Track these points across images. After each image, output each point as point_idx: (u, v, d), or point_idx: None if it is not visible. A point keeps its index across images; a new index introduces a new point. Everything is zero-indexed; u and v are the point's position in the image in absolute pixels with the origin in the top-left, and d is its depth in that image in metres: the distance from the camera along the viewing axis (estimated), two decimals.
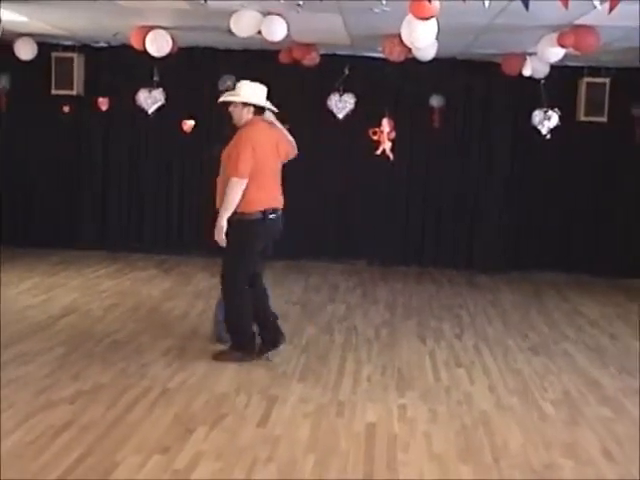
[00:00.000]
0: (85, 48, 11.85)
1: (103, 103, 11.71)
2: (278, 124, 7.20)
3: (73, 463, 4.72)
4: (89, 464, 4.72)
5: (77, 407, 5.67)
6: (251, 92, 6.89)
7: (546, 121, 11.05)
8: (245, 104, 6.85)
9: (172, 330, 7.95)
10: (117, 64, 11.74)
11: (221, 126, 11.66)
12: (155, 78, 11.30)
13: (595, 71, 11.39)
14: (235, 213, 6.71)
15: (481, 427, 5.71)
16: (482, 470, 4.96)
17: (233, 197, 6.66)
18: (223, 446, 5.12)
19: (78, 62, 11.75)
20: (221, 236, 6.67)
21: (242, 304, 6.93)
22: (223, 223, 6.65)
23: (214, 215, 6.80)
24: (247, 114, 6.89)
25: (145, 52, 9.80)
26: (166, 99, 11.34)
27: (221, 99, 6.96)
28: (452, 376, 6.94)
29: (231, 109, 6.87)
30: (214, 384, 6.34)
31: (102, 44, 11.84)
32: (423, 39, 7.14)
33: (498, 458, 5.14)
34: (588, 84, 11.47)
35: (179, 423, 5.46)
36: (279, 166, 7.22)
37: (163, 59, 10.06)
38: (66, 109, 11.93)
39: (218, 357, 6.96)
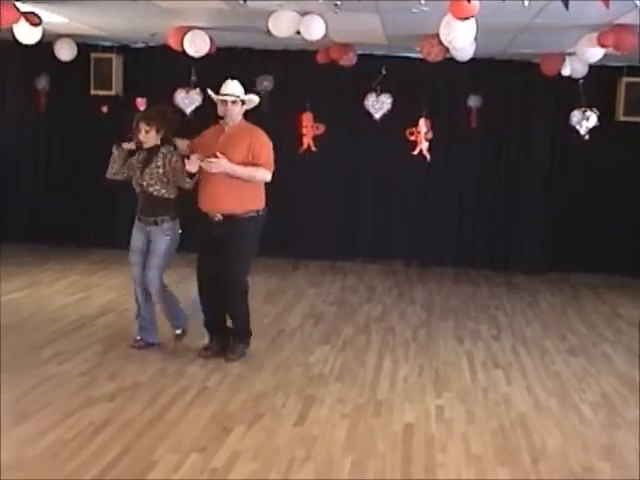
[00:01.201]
0: (123, 48, 11.93)
1: (141, 103, 11.76)
2: None
3: (111, 461, 4.77)
4: (127, 462, 4.77)
5: (115, 405, 5.73)
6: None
7: (584, 121, 10.96)
8: (242, 102, 6.93)
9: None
10: (155, 64, 11.83)
11: (259, 125, 11.76)
12: (193, 78, 11.35)
13: (634, 70, 11.26)
14: (251, 211, 6.81)
15: (519, 428, 5.69)
16: (520, 472, 4.94)
17: (254, 178, 6.75)
18: (260, 446, 5.14)
19: (117, 62, 11.84)
20: (211, 168, 6.66)
21: (247, 302, 7.18)
22: (234, 169, 6.67)
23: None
24: (241, 112, 6.96)
25: (183, 52, 9.85)
26: (203, 99, 11.36)
27: (227, 96, 6.81)
28: (489, 377, 6.91)
29: (230, 107, 6.79)
30: (251, 384, 6.36)
31: (140, 44, 11.91)
32: (462, 39, 7.10)
33: (536, 460, 5.12)
34: (627, 84, 11.35)
35: (216, 422, 5.49)
36: None
37: (201, 59, 10.09)
38: (104, 109, 12.02)
39: (231, 358, 6.94)
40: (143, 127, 6.86)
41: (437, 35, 7.58)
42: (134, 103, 11.77)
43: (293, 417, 5.68)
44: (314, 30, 8.48)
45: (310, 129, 11.48)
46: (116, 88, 11.88)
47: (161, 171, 6.86)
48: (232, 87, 6.89)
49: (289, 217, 12.09)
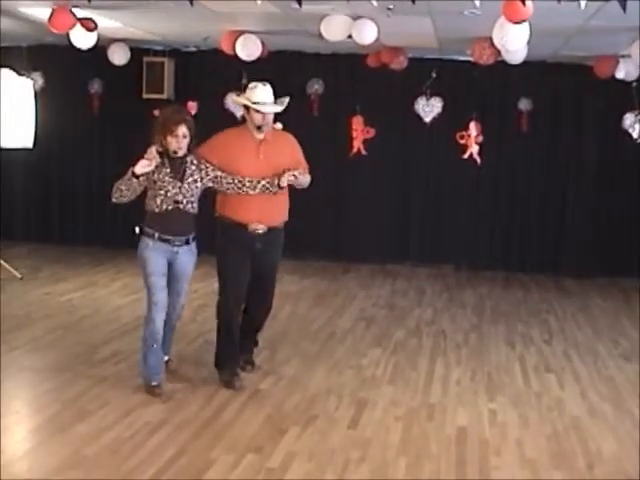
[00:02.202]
0: (175, 52, 12.05)
1: (192, 107, 11.86)
2: None
3: (168, 461, 4.83)
4: (183, 462, 4.83)
5: (171, 406, 5.80)
6: None
7: (637, 124, 10.86)
8: None
9: (262, 332, 8.01)
10: (206, 68, 11.94)
11: (308, 130, 11.82)
12: (244, 82, 11.42)
13: None
14: (285, 220, 6.51)
15: (573, 433, 5.66)
16: (575, 476, 4.93)
17: (307, 184, 6.50)
18: (315, 447, 5.17)
19: (168, 66, 11.95)
20: (301, 183, 6.32)
21: None
22: (307, 179, 6.39)
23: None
24: None
25: (234, 56, 9.93)
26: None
27: (275, 108, 6.31)
28: (542, 381, 6.88)
29: (268, 116, 6.25)
30: (304, 386, 6.41)
31: (192, 48, 12.03)
32: (515, 42, 7.10)
33: (592, 465, 5.10)
34: None
35: (271, 423, 5.54)
36: None
37: (252, 63, 10.17)
38: (156, 113, 12.09)
39: (257, 366, 6.81)
40: (182, 132, 5.98)
41: (489, 38, 7.58)
42: (185, 107, 11.89)
43: (346, 419, 5.71)
44: (366, 34, 8.51)
45: (360, 132, 11.51)
46: (168, 92, 11.99)
47: (199, 184, 6.05)
48: (269, 95, 6.32)
49: (339, 220, 12.13)
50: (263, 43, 9.89)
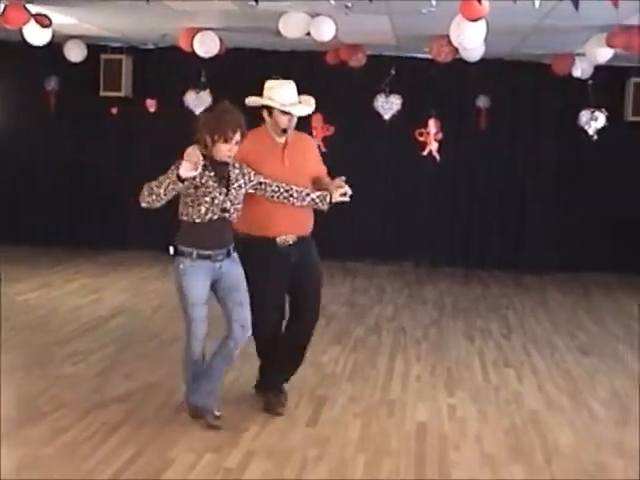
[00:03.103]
0: (133, 50, 11.98)
1: (151, 105, 11.83)
2: None
3: (127, 461, 4.79)
4: (142, 462, 4.79)
5: (130, 406, 5.75)
6: None
7: (593, 122, 10.97)
8: None
9: (219, 330, 7.98)
10: (165, 66, 11.88)
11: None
12: (203, 79, 11.40)
13: None
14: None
15: (531, 427, 5.71)
16: (534, 470, 4.96)
17: None
18: (273, 445, 5.16)
19: (126, 64, 11.88)
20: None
21: None
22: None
23: None
24: None
25: (193, 53, 9.89)
26: (213, 100, 11.41)
27: (306, 110, 5.96)
28: (501, 376, 6.93)
29: (294, 119, 5.79)
30: None
31: (150, 46, 11.96)
32: (472, 40, 7.14)
33: (549, 458, 5.14)
34: (636, 84, 11.36)
35: (230, 422, 5.50)
36: None
37: (211, 60, 10.14)
38: (114, 111, 12.06)
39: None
40: (237, 139, 5.23)
41: (447, 36, 7.61)
42: (144, 104, 11.83)
43: (305, 417, 5.70)
44: (324, 31, 8.53)
45: (320, 130, 11.49)
46: (126, 89, 11.93)
47: (243, 191, 5.39)
48: (295, 95, 5.90)
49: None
50: (221, 40, 9.86)
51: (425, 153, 11.12)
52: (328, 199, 5.52)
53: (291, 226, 5.64)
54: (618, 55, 8.86)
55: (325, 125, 11.47)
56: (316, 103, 6.22)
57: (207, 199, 5.21)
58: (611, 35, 8.14)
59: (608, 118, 10.89)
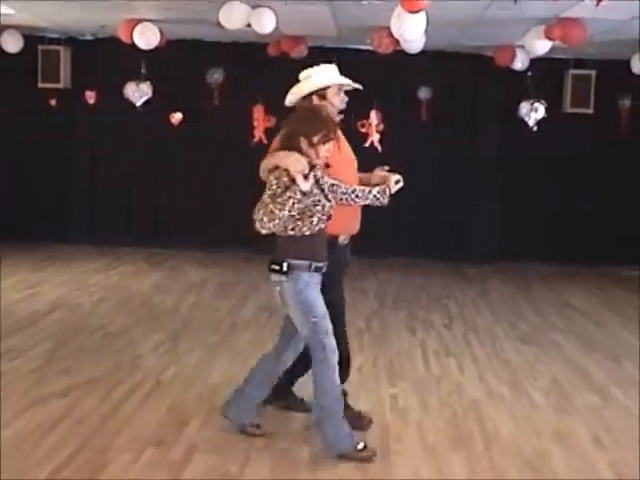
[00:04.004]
0: (72, 41, 11.82)
1: (90, 96, 11.69)
2: None
3: (67, 458, 4.71)
4: (83, 458, 4.72)
5: (70, 401, 5.67)
6: None
7: (533, 113, 11.12)
8: None
9: (164, 323, 7.97)
10: (104, 57, 11.74)
11: (209, 120, 11.75)
12: (143, 71, 11.30)
13: (581, 63, 11.44)
14: None
15: (472, 416, 5.76)
16: (474, 458, 5.00)
17: None
18: (217, 438, 5.14)
19: (65, 55, 11.73)
20: None
21: None
22: None
23: None
24: None
25: (133, 45, 9.79)
26: (154, 92, 11.34)
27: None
28: (442, 366, 6.98)
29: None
30: (207, 376, 6.37)
31: (89, 37, 11.82)
32: (413, 32, 7.19)
33: (489, 446, 5.19)
34: (574, 76, 11.54)
35: (173, 415, 5.47)
36: None
37: (151, 52, 10.05)
38: (53, 102, 11.89)
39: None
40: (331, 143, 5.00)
41: (388, 27, 7.65)
42: (83, 96, 11.69)
43: None
44: (265, 22, 8.51)
45: (261, 122, 11.49)
46: (64, 81, 11.78)
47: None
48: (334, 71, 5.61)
49: (243, 210, 12.06)
50: (161, 32, 9.78)
51: (367, 144, 11.15)
52: (387, 192, 5.16)
53: (352, 225, 5.34)
54: (556, 47, 8.97)
55: (267, 117, 11.47)
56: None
57: (318, 208, 4.85)
58: (549, 27, 8.24)
59: (547, 109, 11.04)
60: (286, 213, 4.69)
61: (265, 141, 11.53)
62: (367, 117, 11.16)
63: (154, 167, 12.28)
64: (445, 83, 11.80)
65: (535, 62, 10.37)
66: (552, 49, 9.02)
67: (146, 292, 9.37)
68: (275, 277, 4.91)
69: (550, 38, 8.38)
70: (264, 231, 4.74)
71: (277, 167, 4.83)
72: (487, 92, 11.89)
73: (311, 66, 5.49)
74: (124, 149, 12.23)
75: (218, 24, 8.70)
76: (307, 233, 4.85)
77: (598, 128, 11.73)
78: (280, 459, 4.86)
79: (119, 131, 12.18)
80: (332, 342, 4.93)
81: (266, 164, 4.97)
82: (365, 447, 4.92)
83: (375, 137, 11.19)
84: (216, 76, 11.64)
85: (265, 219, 4.69)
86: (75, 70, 11.89)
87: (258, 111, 11.49)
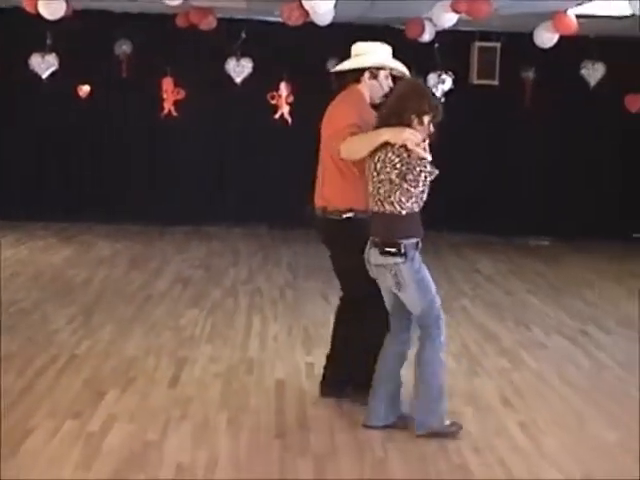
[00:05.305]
0: None
1: None
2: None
3: None
4: (2, 432, 4.69)
5: None
6: None
7: (440, 84, 11.30)
8: None
9: (76, 297, 7.92)
10: (8, 28, 11.45)
11: (117, 92, 11.63)
12: (48, 42, 11.09)
13: (486, 35, 11.66)
14: None
15: None
16: None
17: None
18: (135, 408, 5.17)
19: None
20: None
21: None
22: None
23: None
24: None
25: (38, 15, 9.59)
26: (60, 64, 11.15)
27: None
28: None
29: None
30: (122, 349, 6.37)
31: None
32: (323, 4, 7.24)
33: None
34: (480, 48, 11.74)
35: (89, 388, 5.48)
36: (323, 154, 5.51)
37: (56, 22, 9.86)
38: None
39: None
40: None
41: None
42: None
43: (166, 379, 5.72)
44: None
45: (171, 94, 11.43)
46: None
47: None
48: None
49: (153, 183, 12.03)
50: (67, 2, 9.60)
51: (277, 116, 11.21)
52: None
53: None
54: (463, 20, 9.14)
55: (176, 89, 11.42)
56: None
57: (427, 183, 4.79)
58: (456, 1, 8.40)
59: (454, 81, 11.24)
60: (420, 189, 4.68)
61: (175, 113, 11.48)
62: (277, 89, 11.20)
63: (62, 140, 12.08)
64: None
65: (442, 34, 10.51)
66: (458, 21, 9.18)
67: (57, 266, 9.28)
68: (390, 260, 4.75)
69: (456, 11, 8.54)
70: (404, 212, 4.68)
71: (387, 144, 4.71)
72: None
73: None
74: (31, 122, 11.99)
75: None
76: (416, 209, 4.78)
77: (503, 99, 11.97)
78: (200, 427, 4.92)
79: (26, 103, 11.94)
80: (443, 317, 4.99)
81: (366, 143, 4.82)
82: (453, 423, 4.97)
83: (285, 109, 11.23)
84: (124, 48, 11.51)
85: (403, 199, 4.67)
86: None
87: (167, 83, 11.42)
